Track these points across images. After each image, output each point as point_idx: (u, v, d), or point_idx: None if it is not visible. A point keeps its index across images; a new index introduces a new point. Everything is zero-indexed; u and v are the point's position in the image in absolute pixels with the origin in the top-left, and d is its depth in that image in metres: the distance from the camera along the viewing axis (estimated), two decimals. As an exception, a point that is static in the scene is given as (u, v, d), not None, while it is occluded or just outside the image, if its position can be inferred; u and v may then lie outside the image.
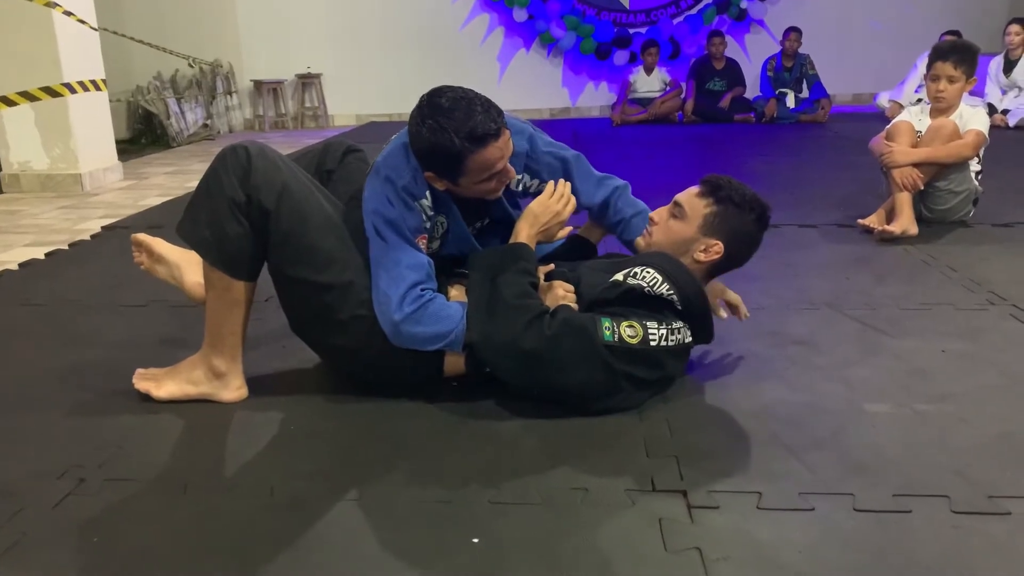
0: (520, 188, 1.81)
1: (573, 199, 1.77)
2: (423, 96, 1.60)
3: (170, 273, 1.92)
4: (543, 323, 1.55)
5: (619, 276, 1.65)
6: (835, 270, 2.64)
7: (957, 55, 3.02)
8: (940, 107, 3.10)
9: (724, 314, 1.87)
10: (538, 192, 1.80)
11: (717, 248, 1.74)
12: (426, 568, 1.16)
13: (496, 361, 1.61)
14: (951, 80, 3.02)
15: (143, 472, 1.45)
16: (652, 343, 1.59)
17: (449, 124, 1.53)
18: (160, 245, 1.93)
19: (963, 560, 1.15)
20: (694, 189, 1.81)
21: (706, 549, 1.18)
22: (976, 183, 3.15)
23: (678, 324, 1.64)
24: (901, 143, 3.08)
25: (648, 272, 1.63)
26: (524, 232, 1.72)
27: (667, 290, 1.61)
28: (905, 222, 3.00)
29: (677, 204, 1.79)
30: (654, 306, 1.62)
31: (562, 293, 1.65)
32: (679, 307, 1.63)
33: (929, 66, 3.11)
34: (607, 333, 1.55)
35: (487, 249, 1.75)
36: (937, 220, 3.17)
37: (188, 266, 1.88)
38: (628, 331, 1.57)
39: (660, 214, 1.83)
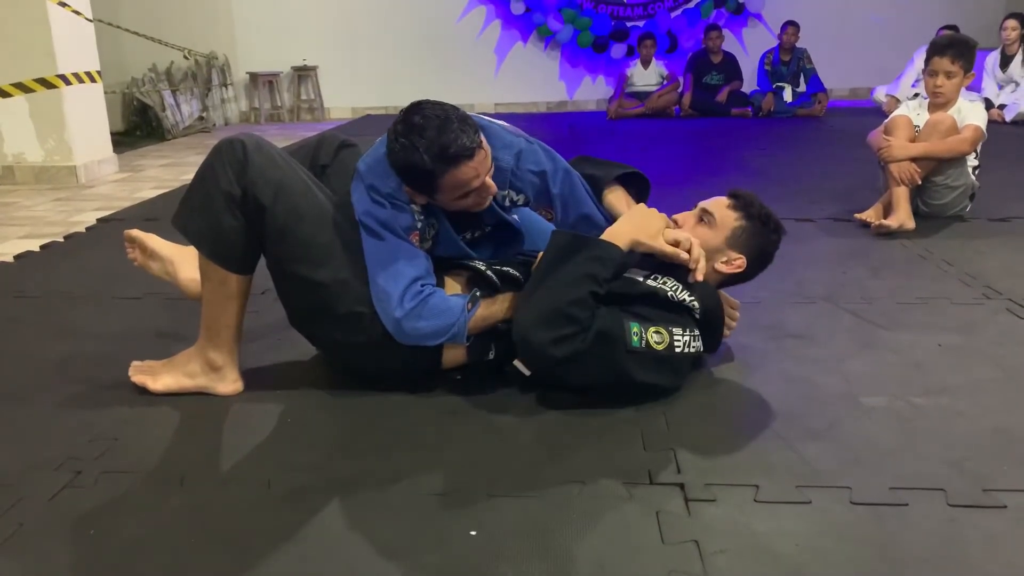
0: (508, 203, 1.78)
1: (702, 258, 1.68)
2: (401, 111, 1.59)
3: (164, 269, 1.92)
4: (580, 339, 1.52)
5: (638, 276, 1.65)
6: (832, 264, 2.64)
7: (954, 50, 3.01)
8: (938, 102, 3.09)
9: (734, 324, 1.88)
10: (525, 206, 1.79)
11: (740, 263, 1.74)
12: (423, 560, 1.16)
13: (523, 351, 1.59)
14: (949, 75, 3.02)
15: (139, 464, 1.45)
16: (677, 349, 1.59)
17: (420, 143, 1.52)
18: (153, 241, 1.93)
19: (959, 553, 1.16)
20: (724, 200, 1.79)
21: (704, 542, 1.18)
22: (973, 178, 3.16)
23: (696, 332, 1.64)
24: (899, 137, 3.08)
25: (669, 279, 1.63)
26: (625, 233, 1.64)
27: (688, 297, 1.62)
28: (902, 216, 3.00)
29: (707, 212, 1.77)
30: (675, 311, 1.62)
31: None
32: (697, 316, 1.63)
33: (927, 61, 3.11)
34: (635, 339, 1.54)
35: (571, 233, 1.64)
36: (934, 215, 3.18)
37: (182, 262, 1.87)
38: (655, 337, 1.57)
39: (685, 219, 1.80)
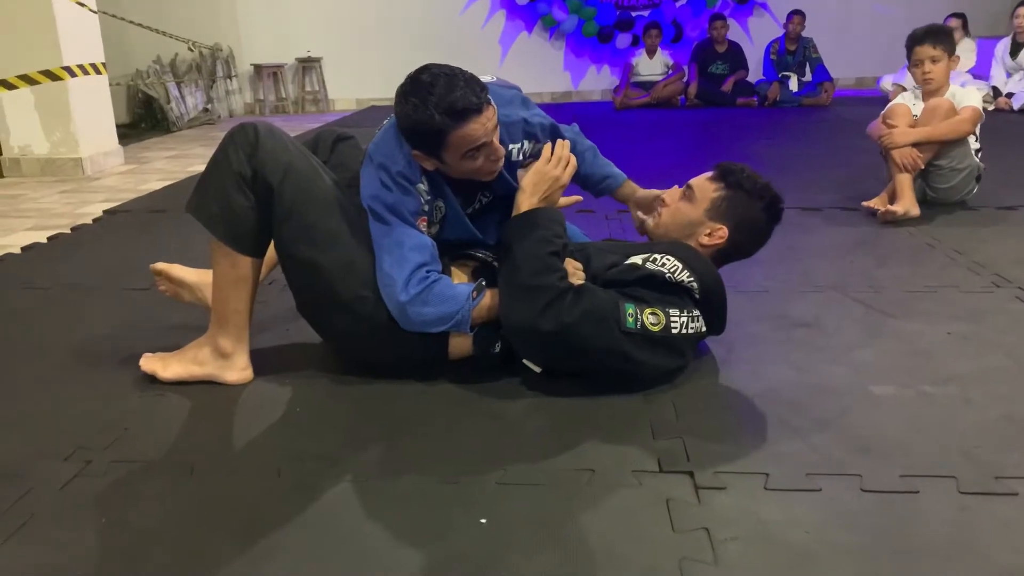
0: (520, 157, 1.78)
1: (574, 160, 1.73)
2: (408, 74, 1.59)
3: (194, 296, 1.94)
4: (562, 305, 1.52)
5: (637, 260, 1.65)
6: (839, 253, 2.63)
7: (932, 36, 3.07)
8: (930, 88, 3.13)
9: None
10: (537, 155, 1.77)
11: (721, 233, 1.75)
12: (433, 548, 1.16)
13: (516, 341, 1.62)
14: (934, 60, 3.07)
15: (149, 454, 1.45)
16: (674, 330, 1.58)
17: (429, 100, 1.52)
18: (177, 270, 1.95)
19: (971, 540, 1.15)
20: (707, 173, 1.81)
21: (714, 529, 1.18)
22: (977, 160, 3.16)
23: (696, 312, 1.63)
24: (899, 124, 3.08)
25: (668, 259, 1.63)
26: (525, 205, 1.68)
27: (687, 277, 1.61)
28: (907, 203, 2.99)
29: (688, 186, 1.80)
30: (674, 292, 1.62)
31: (571, 271, 1.64)
32: (697, 296, 1.63)
33: (909, 55, 3.16)
34: (630, 320, 1.54)
35: (513, 218, 1.69)
36: (942, 200, 3.18)
37: (208, 286, 1.87)
38: (651, 319, 1.56)
39: (672, 196, 1.84)
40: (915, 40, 3.12)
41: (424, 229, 1.66)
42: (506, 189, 1.76)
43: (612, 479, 1.33)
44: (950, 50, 3.08)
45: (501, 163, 1.66)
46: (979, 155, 3.17)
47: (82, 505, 1.29)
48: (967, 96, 3.10)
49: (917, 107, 3.18)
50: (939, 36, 3.07)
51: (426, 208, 1.66)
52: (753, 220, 1.77)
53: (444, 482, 1.33)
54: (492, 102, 1.58)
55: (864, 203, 3.14)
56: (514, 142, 1.74)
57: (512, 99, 1.78)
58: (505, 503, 1.27)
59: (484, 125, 1.55)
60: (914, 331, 1.94)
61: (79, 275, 2.60)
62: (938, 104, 3.05)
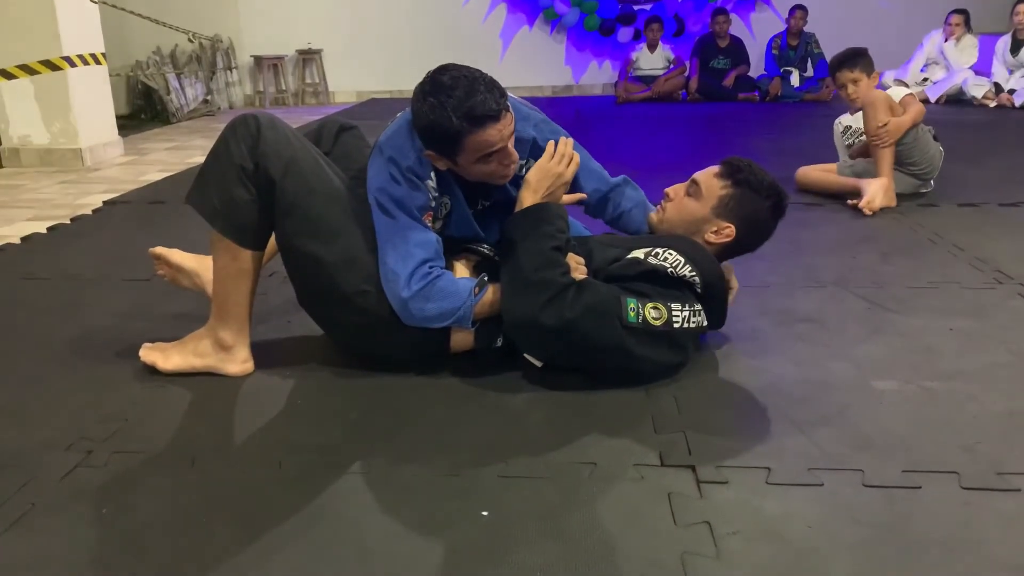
0: (523, 173, 1.78)
1: (577, 157, 1.72)
2: (428, 73, 1.58)
3: (192, 282, 1.94)
4: (564, 301, 1.52)
5: (639, 254, 1.64)
6: (841, 248, 2.63)
7: (847, 63, 3.25)
8: (858, 105, 3.30)
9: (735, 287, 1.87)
10: None
11: (728, 231, 1.74)
12: (435, 541, 1.16)
13: (517, 337, 1.61)
14: (854, 82, 3.24)
15: (150, 444, 1.45)
16: (676, 325, 1.58)
17: (448, 103, 1.51)
18: (176, 255, 1.94)
19: (972, 536, 1.15)
20: (713, 169, 1.79)
21: (716, 523, 1.18)
22: (919, 127, 3.25)
23: (697, 306, 1.63)
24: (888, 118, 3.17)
25: (670, 253, 1.62)
26: (528, 201, 1.67)
27: (689, 272, 1.60)
28: (873, 190, 3.11)
29: (694, 182, 1.79)
30: (676, 287, 1.61)
31: (573, 265, 1.63)
32: (699, 290, 1.62)
33: (833, 80, 3.35)
34: (631, 315, 1.54)
35: (516, 213, 1.68)
36: (930, 170, 3.27)
37: (207, 273, 1.87)
38: (653, 313, 1.56)
39: (676, 190, 1.82)
40: (833, 69, 3.31)
41: (429, 225, 1.66)
42: (504, 195, 1.76)
43: (614, 473, 1.32)
44: (868, 70, 3.24)
45: (514, 167, 1.65)
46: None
47: (82, 495, 1.29)
48: (895, 92, 3.31)
49: (856, 118, 3.37)
50: (854, 60, 3.23)
51: (433, 204, 1.66)
52: (759, 218, 1.76)
53: (446, 475, 1.33)
54: (511, 108, 1.57)
55: (850, 202, 3.18)
56: (520, 158, 1.72)
57: (527, 116, 1.76)
58: (507, 496, 1.27)
59: (501, 131, 1.54)
60: (916, 327, 1.94)
61: (79, 266, 2.60)
62: (874, 99, 3.17)
